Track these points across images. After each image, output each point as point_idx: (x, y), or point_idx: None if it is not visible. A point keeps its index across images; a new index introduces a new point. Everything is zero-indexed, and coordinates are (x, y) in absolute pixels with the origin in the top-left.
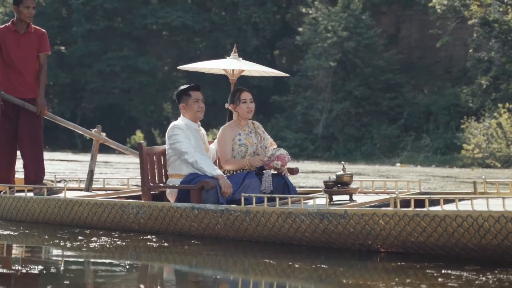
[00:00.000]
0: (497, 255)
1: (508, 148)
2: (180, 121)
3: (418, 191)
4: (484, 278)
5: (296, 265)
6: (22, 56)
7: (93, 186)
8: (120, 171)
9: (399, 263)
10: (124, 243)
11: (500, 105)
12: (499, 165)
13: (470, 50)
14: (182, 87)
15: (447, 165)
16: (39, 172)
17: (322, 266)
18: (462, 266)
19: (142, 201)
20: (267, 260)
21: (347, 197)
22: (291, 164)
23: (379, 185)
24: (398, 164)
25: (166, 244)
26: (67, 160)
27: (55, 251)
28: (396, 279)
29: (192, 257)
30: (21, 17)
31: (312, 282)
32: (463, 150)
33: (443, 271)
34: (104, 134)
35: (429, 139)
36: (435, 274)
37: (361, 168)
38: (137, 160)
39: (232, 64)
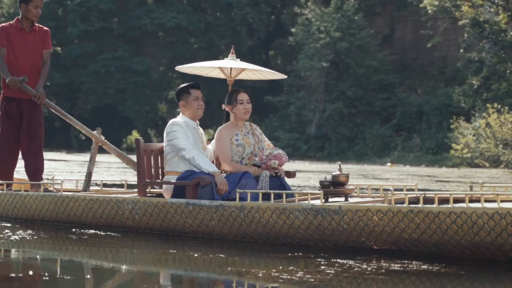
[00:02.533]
0: (490, 252)
1: (497, 148)
2: (179, 118)
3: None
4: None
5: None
6: (28, 54)
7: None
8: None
9: (391, 261)
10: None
11: (488, 105)
12: (487, 165)
13: (461, 51)
14: (182, 85)
15: (436, 164)
16: (39, 167)
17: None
18: (456, 264)
19: (138, 196)
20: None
21: (342, 198)
22: (288, 166)
23: (376, 187)
24: (388, 164)
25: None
26: (62, 160)
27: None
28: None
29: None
30: (28, 15)
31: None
32: (452, 150)
33: (434, 268)
34: (103, 137)
35: (419, 139)
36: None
37: (347, 168)
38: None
39: (230, 63)
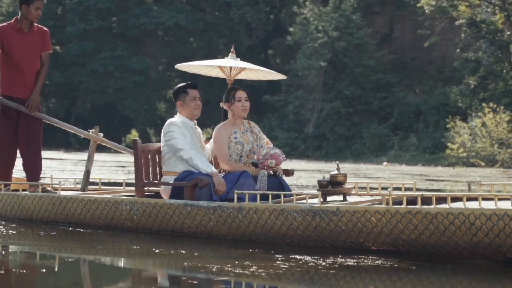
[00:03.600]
0: (489, 253)
1: (492, 147)
2: (177, 118)
3: (413, 193)
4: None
5: (287, 265)
6: (26, 55)
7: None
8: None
9: (390, 262)
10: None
11: (484, 104)
12: (483, 164)
13: (458, 50)
14: (179, 85)
15: (432, 164)
16: (37, 167)
17: (315, 266)
18: (453, 265)
19: (136, 197)
20: (258, 259)
21: (341, 197)
22: (285, 164)
23: (374, 186)
24: (385, 163)
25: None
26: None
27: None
28: (387, 278)
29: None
30: (29, 17)
31: (304, 284)
32: (448, 149)
33: (432, 270)
34: (101, 134)
35: (415, 138)
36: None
37: (343, 167)
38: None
39: (230, 62)
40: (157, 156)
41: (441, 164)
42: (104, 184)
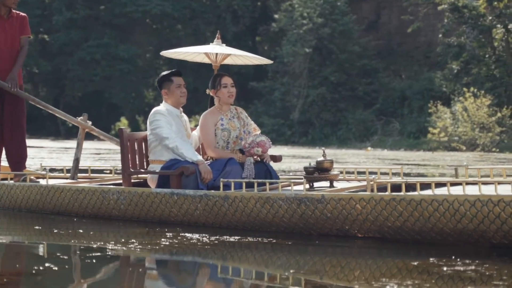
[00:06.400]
0: (473, 239)
1: (473, 131)
2: (162, 106)
3: (400, 178)
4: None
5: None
6: (6, 41)
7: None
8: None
9: (376, 248)
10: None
11: (465, 89)
12: (464, 148)
13: (440, 35)
14: (164, 73)
15: (415, 148)
16: (22, 155)
17: (301, 253)
18: (441, 251)
19: (123, 187)
20: (245, 247)
21: (328, 183)
22: (273, 151)
23: (361, 171)
24: (369, 148)
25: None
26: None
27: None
28: (374, 266)
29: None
30: (7, 3)
31: (290, 268)
32: (429, 134)
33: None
34: (90, 122)
35: (397, 123)
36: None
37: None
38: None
39: (215, 49)
40: (143, 144)
41: (422, 149)
42: (93, 171)
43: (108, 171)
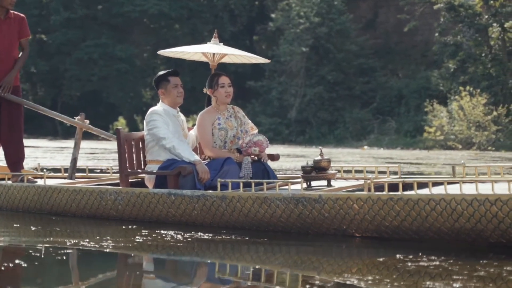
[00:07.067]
0: (471, 239)
1: (469, 130)
2: (159, 106)
3: (398, 176)
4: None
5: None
6: (4, 42)
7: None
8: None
9: (373, 248)
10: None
11: (461, 88)
12: (460, 147)
13: (436, 34)
14: (160, 72)
15: (411, 147)
16: (20, 156)
17: (298, 252)
18: (436, 251)
19: (120, 187)
20: (243, 246)
21: (325, 182)
22: (270, 150)
23: (359, 170)
24: (365, 147)
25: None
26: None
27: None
28: (371, 265)
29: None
30: (3, 3)
31: (287, 267)
32: (425, 132)
33: (416, 256)
34: (87, 121)
35: (393, 122)
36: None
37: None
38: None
39: (213, 48)
40: (141, 144)
41: (418, 147)
42: (91, 171)
43: (106, 169)
